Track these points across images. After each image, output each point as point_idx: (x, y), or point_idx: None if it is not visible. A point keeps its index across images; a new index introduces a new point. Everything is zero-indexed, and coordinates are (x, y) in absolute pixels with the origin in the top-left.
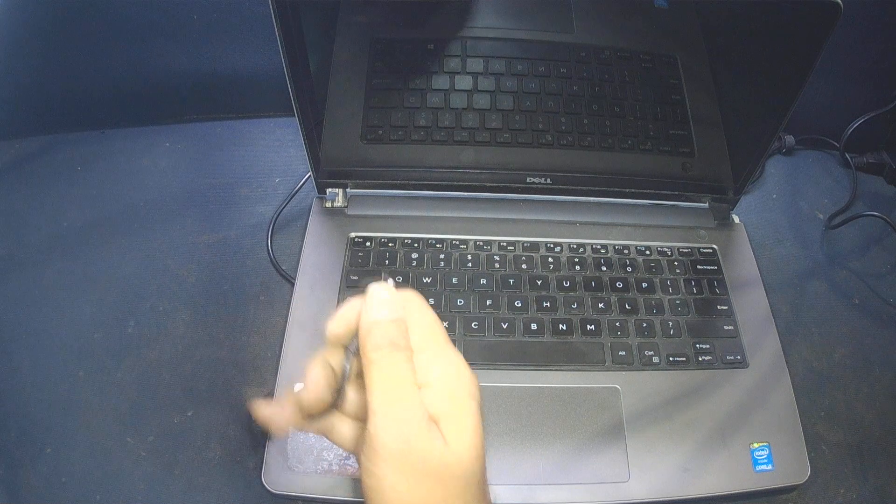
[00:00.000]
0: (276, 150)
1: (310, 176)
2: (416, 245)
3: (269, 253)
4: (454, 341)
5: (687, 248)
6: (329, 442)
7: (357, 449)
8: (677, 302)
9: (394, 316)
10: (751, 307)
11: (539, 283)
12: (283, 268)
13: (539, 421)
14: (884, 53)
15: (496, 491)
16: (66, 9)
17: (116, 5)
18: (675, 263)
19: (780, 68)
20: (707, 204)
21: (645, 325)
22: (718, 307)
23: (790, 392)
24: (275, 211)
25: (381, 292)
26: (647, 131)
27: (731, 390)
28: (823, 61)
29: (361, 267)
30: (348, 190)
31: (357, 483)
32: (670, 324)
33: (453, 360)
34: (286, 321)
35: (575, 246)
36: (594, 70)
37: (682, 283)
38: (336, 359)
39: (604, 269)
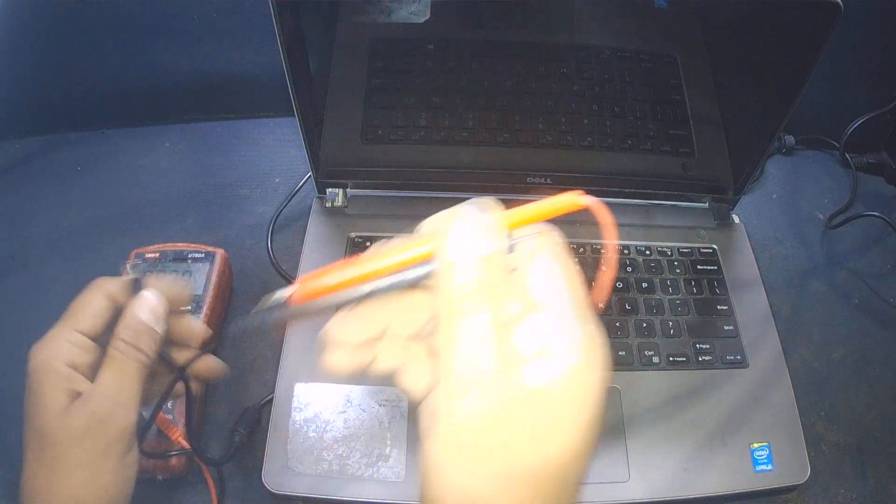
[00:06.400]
0: (276, 150)
1: (310, 176)
2: None
3: (269, 253)
4: None
5: (687, 248)
6: (329, 442)
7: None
8: (677, 302)
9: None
10: (751, 307)
11: None
12: (283, 268)
13: None
14: (884, 53)
15: None
16: (66, 9)
17: (116, 5)
18: (675, 263)
19: (780, 68)
20: (707, 204)
21: (645, 325)
22: (718, 307)
23: (790, 392)
24: (275, 211)
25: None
26: (647, 131)
27: (731, 390)
28: (823, 61)
29: None
30: (348, 190)
31: (355, 482)
32: (670, 324)
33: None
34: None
35: (574, 246)
36: (594, 70)
37: (682, 283)
38: None
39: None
